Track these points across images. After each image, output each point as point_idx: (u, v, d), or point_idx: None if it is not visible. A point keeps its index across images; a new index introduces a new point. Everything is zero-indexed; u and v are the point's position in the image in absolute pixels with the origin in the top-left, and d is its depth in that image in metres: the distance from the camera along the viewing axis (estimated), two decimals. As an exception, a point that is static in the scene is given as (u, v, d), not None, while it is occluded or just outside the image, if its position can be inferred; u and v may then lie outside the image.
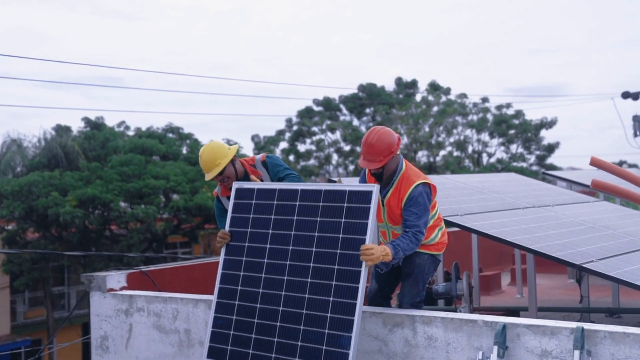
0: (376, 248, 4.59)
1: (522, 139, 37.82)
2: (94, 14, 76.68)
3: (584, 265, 5.53)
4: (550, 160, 38.49)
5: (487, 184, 8.57)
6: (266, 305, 4.87)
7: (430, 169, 35.18)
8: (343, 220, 4.75)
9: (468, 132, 37.82)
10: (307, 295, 4.72)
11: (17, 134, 31.71)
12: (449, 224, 6.39)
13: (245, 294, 5.00)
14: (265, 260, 4.99)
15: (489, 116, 37.74)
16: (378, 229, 5.41)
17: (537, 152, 38.32)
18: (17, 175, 28.12)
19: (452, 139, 37.39)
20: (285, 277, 4.85)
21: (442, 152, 37.23)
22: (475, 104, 38.02)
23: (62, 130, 32.31)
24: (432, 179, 5.90)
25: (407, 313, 4.77)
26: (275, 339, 4.78)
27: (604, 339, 4.06)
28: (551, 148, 38.11)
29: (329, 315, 4.59)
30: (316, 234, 4.83)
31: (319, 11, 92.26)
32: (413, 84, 40.15)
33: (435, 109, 37.01)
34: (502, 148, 38.36)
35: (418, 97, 39.07)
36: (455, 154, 37.52)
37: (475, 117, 37.78)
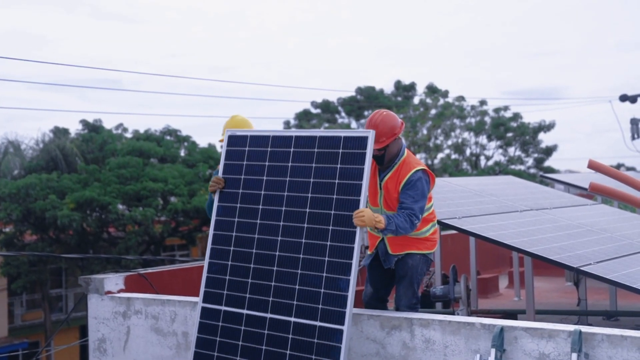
0: (367, 212, 4.61)
1: (520, 142, 37.87)
2: (92, 17, 76.70)
3: (582, 268, 5.54)
4: (548, 163, 38.56)
5: (485, 187, 8.57)
6: (262, 250, 4.89)
7: (428, 171, 35.09)
8: (339, 166, 4.74)
9: (466, 134, 37.88)
10: (304, 240, 4.74)
11: (15, 136, 31.71)
12: (446, 226, 6.40)
13: (240, 240, 5.02)
14: (260, 207, 4.99)
15: (487, 119, 37.79)
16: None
17: (535, 155, 38.37)
18: (15, 178, 28.08)
19: (450, 142, 37.44)
20: (282, 223, 4.86)
21: (440, 155, 37.27)
22: (473, 107, 38.07)
23: (60, 133, 32.33)
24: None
25: (405, 316, 4.77)
26: (273, 283, 4.80)
27: (601, 342, 4.06)
28: (549, 151, 38.15)
29: (326, 259, 4.63)
30: (311, 179, 4.83)
31: (317, 14, 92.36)
32: (411, 86, 40.22)
33: (433, 111, 37.04)
34: (500, 151, 38.42)
35: (416, 100, 39.14)
36: (453, 156, 37.54)
37: (473, 120, 37.82)
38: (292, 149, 4.98)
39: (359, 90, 38.83)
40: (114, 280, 6.47)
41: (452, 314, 6.64)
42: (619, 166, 41.29)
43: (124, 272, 6.74)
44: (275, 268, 4.81)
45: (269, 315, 4.78)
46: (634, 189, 7.42)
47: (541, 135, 37.98)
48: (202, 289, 5.13)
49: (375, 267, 5.41)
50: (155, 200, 26.96)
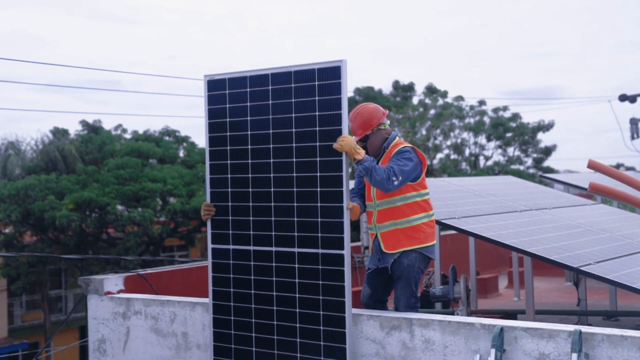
0: (349, 139, 4.77)
1: (519, 142, 37.83)
2: (91, 18, 76.67)
3: (582, 268, 5.53)
4: (547, 163, 38.51)
5: (484, 187, 8.57)
6: (258, 188, 5.12)
7: (427, 172, 35.15)
8: (317, 98, 4.89)
9: (465, 135, 37.84)
10: (295, 175, 4.95)
11: (14, 137, 31.67)
12: (446, 226, 6.39)
13: (236, 181, 5.24)
14: (249, 147, 5.17)
15: (486, 119, 37.76)
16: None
17: (534, 155, 38.33)
18: (15, 179, 28.07)
19: (449, 142, 37.42)
20: (271, 160, 5.06)
21: (439, 155, 37.23)
22: (472, 107, 38.04)
23: (59, 134, 32.29)
24: (429, 182, 5.90)
25: (405, 316, 4.76)
26: (273, 218, 5.04)
27: (601, 342, 4.06)
28: (548, 151, 38.12)
29: (318, 189, 4.85)
30: (293, 115, 4.98)
31: (315, 15, 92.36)
32: (410, 87, 40.17)
33: (432, 112, 37.02)
34: (499, 151, 38.37)
35: (415, 100, 39.09)
36: (452, 157, 37.52)
37: (472, 120, 37.79)
38: (270, 87, 5.10)
39: (358, 90, 38.78)
40: (113, 281, 6.47)
41: (452, 314, 6.64)
42: (618, 166, 41.34)
43: (124, 272, 6.73)
44: (272, 204, 5.06)
45: (274, 248, 5.06)
46: (634, 189, 7.42)
47: (540, 135, 37.94)
48: (209, 231, 5.39)
49: (374, 268, 5.39)
50: (154, 201, 26.94)
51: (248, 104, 5.19)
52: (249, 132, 5.18)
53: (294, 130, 4.98)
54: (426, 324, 4.63)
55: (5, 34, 71.11)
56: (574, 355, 4.01)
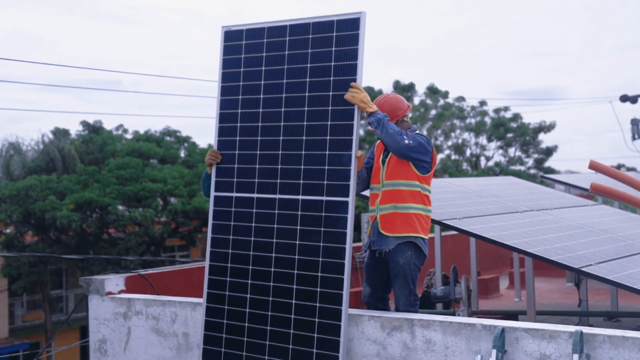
0: (362, 92, 4.85)
1: (520, 142, 37.82)
2: (91, 18, 76.68)
3: (583, 269, 5.53)
4: (548, 163, 38.50)
5: (485, 188, 8.56)
6: (267, 137, 5.18)
7: (428, 172, 35.08)
8: (333, 49, 4.95)
9: (466, 135, 37.84)
10: (305, 123, 5.03)
11: (15, 138, 31.69)
12: (447, 227, 6.39)
13: (245, 130, 5.30)
14: (261, 96, 5.24)
15: (487, 119, 37.75)
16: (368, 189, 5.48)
17: (535, 156, 38.32)
18: (16, 179, 28.07)
19: (450, 142, 37.42)
20: (283, 109, 5.13)
21: (440, 156, 37.22)
22: (473, 107, 38.03)
23: (60, 134, 32.28)
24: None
25: (406, 317, 4.76)
26: (279, 166, 5.11)
27: (602, 343, 4.05)
28: (549, 151, 38.10)
29: (328, 138, 4.92)
30: (308, 65, 5.05)
31: (315, 15, 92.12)
32: (410, 87, 40.14)
33: (433, 112, 37.01)
34: (500, 151, 38.37)
35: (416, 101, 39.07)
36: (454, 157, 37.52)
37: (473, 121, 37.79)
38: (287, 38, 5.17)
39: (359, 90, 38.75)
40: (114, 281, 6.47)
41: (453, 314, 6.64)
42: (619, 166, 41.30)
43: (125, 273, 6.73)
44: (280, 152, 5.12)
45: (278, 196, 5.11)
46: (635, 190, 7.41)
47: (541, 136, 37.94)
48: (214, 178, 5.42)
49: (371, 265, 5.42)
50: (155, 201, 26.93)
51: (264, 54, 5.26)
52: (262, 82, 5.25)
53: (307, 80, 5.04)
54: (427, 325, 4.63)
55: (6, 34, 71.17)
56: (575, 356, 4.01)
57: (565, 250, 6.05)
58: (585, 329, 4.14)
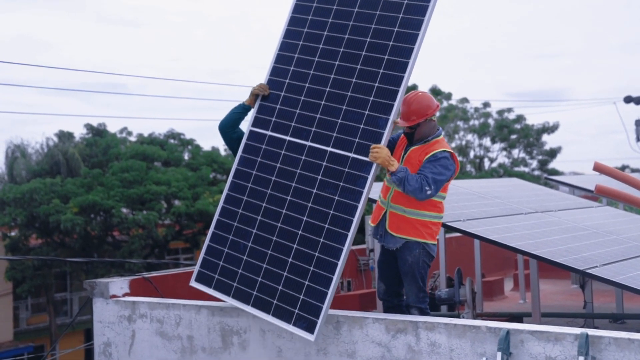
0: (384, 149, 4.88)
1: (524, 144, 37.77)
2: (96, 21, 76.83)
3: (588, 271, 5.52)
4: (552, 165, 38.44)
5: (489, 189, 8.55)
6: (315, 85, 5.33)
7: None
8: (401, 15, 5.15)
9: (470, 137, 37.80)
10: (354, 80, 5.17)
11: (20, 140, 31.72)
12: (451, 229, 6.38)
13: (295, 74, 5.48)
14: (321, 46, 5.42)
15: (491, 121, 37.71)
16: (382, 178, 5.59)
17: (539, 157, 38.27)
18: (20, 182, 28.13)
19: (453, 144, 37.37)
20: (337, 63, 5.29)
21: (444, 157, 37.10)
22: (476, 109, 38.00)
23: (64, 137, 32.34)
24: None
25: (410, 319, 4.75)
26: (318, 115, 5.24)
27: (608, 345, 4.04)
28: (553, 153, 38.04)
29: (371, 99, 5.05)
30: (373, 26, 5.23)
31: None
32: (414, 88, 40.11)
33: (437, 114, 36.99)
34: (504, 153, 38.32)
35: (419, 102, 39.00)
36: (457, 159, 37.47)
37: (476, 122, 37.75)
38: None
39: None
40: (118, 284, 6.47)
41: (458, 317, 6.62)
42: (623, 168, 41.23)
43: (129, 275, 6.73)
44: (322, 102, 5.25)
45: (309, 143, 5.23)
46: (640, 191, 7.39)
47: (545, 137, 37.90)
48: (253, 113, 5.57)
49: (383, 262, 5.50)
50: (159, 204, 26.95)
51: (334, 7, 5.46)
52: (325, 33, 5.43)
53: (368, 39, 5.21)
54: (432, 327, 4.62)
55: (12, 38, 71.35)
56: (581, 359, 3.99)
57: (570, 252, 6.03)
58: (591, 331, 4.13)
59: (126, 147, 30.45)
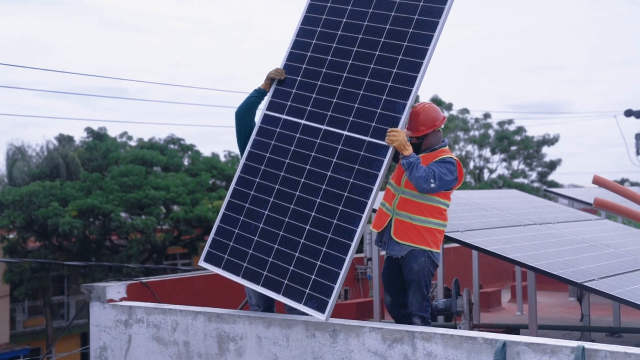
0: (402, 134, 4.96)
1: (523, 156, 37.80)
2: (98, 26, 76.96)
3: (585, 284, 5.52)
4: (551, 176, 38.47)
5: (488, 201, 8.55)
6: (331, 70, 5.42)
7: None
8: (415, 17, 5.25)
9: (469, 147, 37.83)
10: (372, 66, 5.27)
11: (21, 143, 31.73)
12: (449, 239, 6.38)
13: (312, 60, 5.55)
14: (339, 32, 5.51)
15: (491, 132, 37.75)
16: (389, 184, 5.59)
17: (539, 169, 38.29)
18: (19, 185, 28.13)
19: (453, 155, 37.41)
20: (355, 48, 5.39)
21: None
22: (477, 120, 38.05)
23: (64, 140, 32.36)
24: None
25: (407, 329, 4.75)
26: (334, 100, 5.31)
27: (604, 359, 4.03)
28: (553, 165, 38.07)
29: (389, 84, 5.14)
30: (387, 26, 5.34)
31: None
32: (415, 99, 40.18)
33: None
34: (504, 164, 38.34)
35: (420, 112, 39.05)
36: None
37: (477, 133, 37.79)
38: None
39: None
40: (116, 289, 6.47)
41: (454, 327, 6.62)
42: (623, 181, 41.24)
43: (126, 280, 6.73)
44: (339, 87, 5.33)
45: (324, 127, 5.28)
46: (639, 205, 7.40)
47: (545, 149, 37.93)
48: (269, 97, 5.62)
49: (387, 274, 5.53)
50: (158, 209, 26.95)
51: (348, 7, 5.55)
52: (343, 20, 5.53)
53: (387, 26, 5.32)
54: (428, 337, 4.62)
55: (14, 41, 71.47)
56: (577, 372, 3.98)
57: (567, 264, 6.03)
58: (587, 344, 4.12)
59: (126, 152, 30.46)
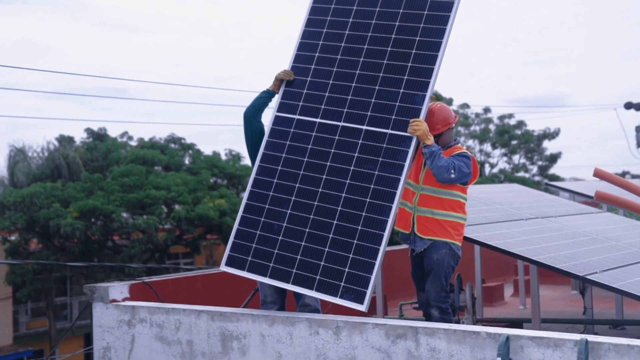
0: (424, 124, 5.03)
1: (524, 150, 37.80)
2: (98, 26, 76.93)
3: (588, 277, 5.52)
4: (552, 170, 38.50)
5: (490, 195, 8.55)
6: (342, 69, 5.42)
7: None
8: (422, 25, 5.28)
9: (470, 142, 37.83)
10: (385, 62, 5.29)
11: (22, 144, 31.75)
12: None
13: (320, 60, 5.55)
14: (346, 32, 5.53)
15: (492, 127, 37.75)
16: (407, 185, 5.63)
17: (540, 163, 38.29)
18: (21, 186, 28.13)
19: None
20: (365, 46, 5.41)
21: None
22: (477, 115, 38.05)
23: (65, 141, 32.36)
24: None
25: (410, 324, 4.75)
26: (349, 97, 5.31)
27: (608, 351, 4.04)
28: (554, 158, 38.08)
29: (405, 77, 5.17)
30: (392, 35, 5.36)
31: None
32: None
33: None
34: (505, 158, 38.35)
35: (420, 108, 39.04)
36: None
37: (477, 128, 37.80)
38: (377, 9, 5.49)
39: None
40: (118, 289, 6.47)
41: (458, 322, 6.62)
42: (624, 174, 41.24)
43: (129, 280, 6.73)
44: (353, 84, 5.34)
45: (341, 123, 5.29)
46: (640, 197, 7.39)
47: (546, 143, 37.96)
48: (278, 99, 5.60)
49: (415, 272, 5.62)
50: (159, 209, 26.93)
51: (354, 7, 5.57)
52: (350, 19, 5.54)
53: (397, 23, 5.34)
54: (432, 333, 4.62)
55: (14, 42, 71.45)
56: (581, 365, 3.99)
57: (570, 258, 6.04)
58: (591, 337, 4.13)
59: (126, 152, 30.44)
